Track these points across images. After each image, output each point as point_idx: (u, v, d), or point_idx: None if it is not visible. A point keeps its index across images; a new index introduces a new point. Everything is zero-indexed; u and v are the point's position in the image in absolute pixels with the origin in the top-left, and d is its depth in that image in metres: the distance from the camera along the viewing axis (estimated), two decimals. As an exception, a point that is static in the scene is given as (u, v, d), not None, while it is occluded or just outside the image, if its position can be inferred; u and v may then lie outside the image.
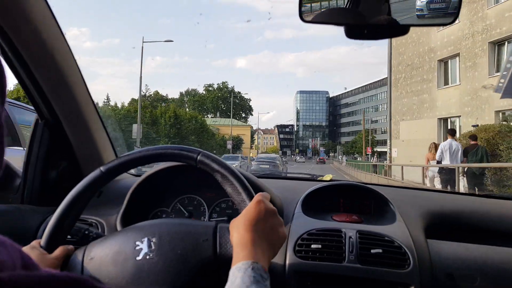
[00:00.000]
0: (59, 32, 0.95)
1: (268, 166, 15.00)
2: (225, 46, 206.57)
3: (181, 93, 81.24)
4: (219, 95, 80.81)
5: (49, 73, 0.97)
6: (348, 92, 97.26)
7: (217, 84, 78.67)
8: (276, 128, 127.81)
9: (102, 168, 0.73)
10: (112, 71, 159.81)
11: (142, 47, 19.49)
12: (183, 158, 0.76)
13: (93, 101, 1.14)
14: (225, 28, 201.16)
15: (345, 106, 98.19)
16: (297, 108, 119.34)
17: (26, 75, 0.94)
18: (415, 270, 0.85)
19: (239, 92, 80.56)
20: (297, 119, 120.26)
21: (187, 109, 44.78)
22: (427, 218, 1.04)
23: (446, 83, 14.83)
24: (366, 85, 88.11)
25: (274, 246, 0.63)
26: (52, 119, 1.07)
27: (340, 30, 0.70)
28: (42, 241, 0.68)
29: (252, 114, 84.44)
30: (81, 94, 1.08)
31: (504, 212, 1.09)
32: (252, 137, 74.50)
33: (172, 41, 25.85)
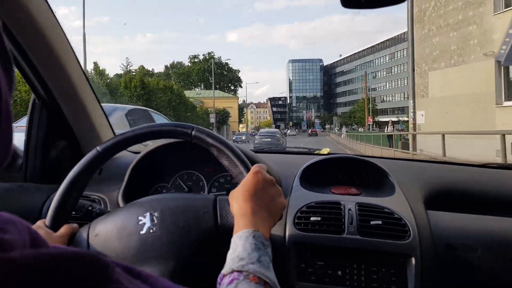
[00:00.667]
0: (50, 12, 0.98)
1: (270, 140, 17.12)
2: (216, 20, 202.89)
3: (166, 66, 76.24)
4: (205, 66, 74.71)
5: (43, 53, 1.00)
6: (343, 59, 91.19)
7: (203, 55, 73.38)
8: (268, 102, 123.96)
9: (99, 148, 0.75)
10: (103, 50, 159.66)
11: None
12: (177, 134, 0.77)
13: (88, 80, 1.17)
14: (215, 1, 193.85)
15: (340, 74, 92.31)
16: (289, 78, 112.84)
17: (21, 56, 0.98)
18: (415, 241, 0.86)
19: (226, 63, 75.01)
20: (290, 91, 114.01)
21: (173, 82, 39.28)
22: (426, 189, 1.05)
23: (507, 4, 9.53)
24: (362, 50, 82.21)
25: (274, 215, 0.64)
26: (49, 99, 1.11)
27: (333, 0, 0.51)
28: (47, 220, 0.70)
29: (241, 87, 79.11)
30: (76, 74, 1.11)
31: (502, 181, 1.11)
32: (242, 110, 68.46)
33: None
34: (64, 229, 0.69)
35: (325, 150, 1.61)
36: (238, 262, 0.52)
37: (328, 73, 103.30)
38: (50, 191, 1.06)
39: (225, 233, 0.65)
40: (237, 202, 0.62)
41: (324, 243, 0.88)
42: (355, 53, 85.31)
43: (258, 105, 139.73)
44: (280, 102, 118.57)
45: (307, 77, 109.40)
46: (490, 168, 1.28)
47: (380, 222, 0.89)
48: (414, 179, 1.10)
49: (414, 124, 11.43)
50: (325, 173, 1.13)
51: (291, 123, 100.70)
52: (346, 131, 35.57)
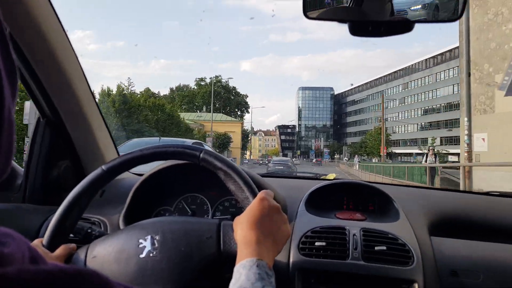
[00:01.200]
0: (62, 32, 0.99)
1: (282, 167, 18.86)
2: (230, 49, 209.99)
3: (171, 89, 74.63)
4: (211, 90, 71.21)
5: (52, 72, 1.01)
6: (354, 88, 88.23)
7: (210, 78, 70.52)
8: (277, 129, 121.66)
9: (104, 167, 0.74)
10: (117, 74, 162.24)
11: None
12: (185, 156, 0.77)
13: (95, 100, 1.18)
14: (231, 31, 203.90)
15: (351, 103, 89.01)
16: (299, 106, 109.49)
17: (28, 74, 0.98)
18: (419, 267, 0.87)
19: (234, 88, 73.45)
20: (299, 118, 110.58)
21: (164, 101, 36.04)
22: (430, 216, 1.08)
23: None
24: (375, 79, 79.30)
25: (278, 243, 0.63)
26: (54, 117, 1.11)
27: (346, 32, 0.70)
28: (44, 239, 0.69)
29: (248, 112, 77.09)
30: (83, 93, 1.11)
31: (505, 209, 1.16)
32: (247, 136, 64.53)
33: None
34: (61, 250, 0.68)
35: (331, 176, 1.68)
36: None
37: (339, 102, 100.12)
38: (48, 212, 1.04)
39: (228, 259, 0.64)
40: (242, 229, 0.62)
41: (328, 269, 0.89)
42: (367, 82, 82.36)
43: (267, 133, 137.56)
44: (289, 130, 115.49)
45: (317, 106, 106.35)
46: (492, 196, 1.33)
47: (384, 247, 0.90)
48: (418, 205, 1.14)
49: (469, 152, 8.29)
50: (330, 198, 1.16)
51: (298, 152, 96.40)
52: (359, 162, 30.86)
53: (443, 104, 56.12)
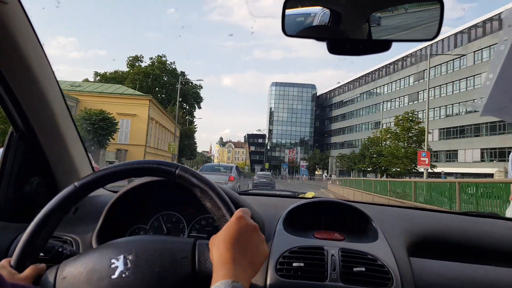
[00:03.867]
0: (37, 45, 1.04)
1: (265, 180, 24.46)
2: (213, 64, 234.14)
3: (95, 72, 59.25)
4: (148, 71, 55.82)
5: (26, 85, 1.05)
6: (342, 87, 67.00)
7: (151, 58, 57.55)
8: (246, 138, 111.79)
9: (76, 184, 0.77)
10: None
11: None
12: (161, 173, 0.80)
13: (70, 115, 1.25)
14: (214, 45, 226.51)
15: (338, 106, 69.30)
16: (270, 107, 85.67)
17: (2, 86, 1.02)
18: None
19: (182, 72, 59.36)
20: (270, 122, 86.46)
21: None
22: (409, 236, 1.13)
23: None
24: (371, 71, 57.26)
25: (255, 264, 0.65)
26: (28, 132, 1.14)
27: (328, 54, 0.78)
28: (12, 260, 0.71)
29: (200, 107, 64.55)
30: (58, 107, 1.17)
31: (483, 230, 1.22)
32: (176, 136, 44.87)
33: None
34: (29, 270, 0.70)
35: (309, 194, 1.70)
36: None
37: (322, 105, 77.00)
38: (19, 230, 1.05)
39: (203, 280, 0.66)
40: (218, 249, 0.63)
41: None
42: (360, 77, 61.52)
43: (237, 144, 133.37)
44: (260, 140, 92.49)
45: (294, 107, 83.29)
46: (470, 216, 1.38)
47: (363, 269, 0.92)
48: (397, 225, 1.17)
49: None
50: (309, 217, 1.20)
51: (267, 165, 71.68)
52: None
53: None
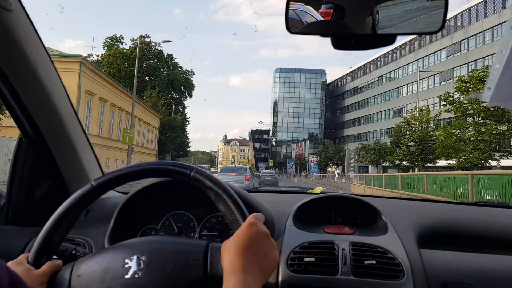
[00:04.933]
0: (43, 49, 1.10)
1: (270, 178, 27.25)
2: (221, 63, 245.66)
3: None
4: (128, 53, 47.03)
5: (33, 90, 1.11)
6: (356, 70, 55.82)
7: (132, 40, 49.03)
8: (250, 135, 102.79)
9: (93, 182, 0.81)
10: None
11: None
12: (175, 174, 0.84)
13: (78, 119, 1.32)
14: (222, 45, 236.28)
15: (351, 93, 61.84)
16: (275, 99, 75.36)
17: (10, 94, 1.08)
18: (409, 280, 0.94)
19: (169, 56, 51.78)
20: (274, 115, 76.42)
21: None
22: (418, 227, 1.19)
23: None
24: (391, 50, 46.05)
25: (265, 270, 0.69)
26: (37, 137, 1.21)
27: (336, 51, 0.75)
28: (30, 256, 0.76)
29: (191, 96, 56.73)
30: (66, 112, 1.24)
31: (493, 220, 1.28)
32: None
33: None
34: (46, 267, 0.74)
35: (318, 189, 1.74)
36: None
37: (332, 94, 66.82)
38: (32, 234, 1.13)
39: (214, 284, 0.69)
40: (229, 256, 0.67)
41: (318, 285, 0.94)
42: (378, 57, 51.36)
43: (242, 142, 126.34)
44: (266, 136, 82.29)
45: (301, 96, 73.72)
46: (480, 206, 1.45)
47: (374, 261, 0.96)
48: (406, 217, 1.23)
49: None
50: (318, 212, 1.25)
51: (271, 162, 61.87)
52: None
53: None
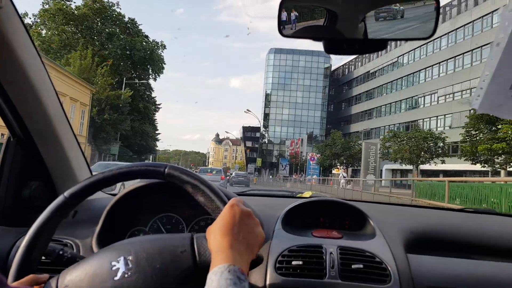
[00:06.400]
0: (32, 47, 1.16)
1: (243, 179, 29.80)
2: (221, 65, 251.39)
3: None
4: (76, 12, 38.67)
5: (22, 89, 1.17)
6: (366, 55, 42.12)
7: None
8: (242, 137, 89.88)
9: (65, 194, 0.84)
10: None
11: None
12: (150, 174, 0.87)
13: (67, 119, 1.40)
14: (223, 47, 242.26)
15: (361, 80, 51.82)
16: (268, 86, 62.35)
17: None
18: (396, 285, 1.00)
19: (132, 21, 42.02)
20: (266, 104, 63.28)
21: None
22: (406, 233, 1.26)
23: None
24: None
25: (252, 247, 0.75)
26: (25, 137, 1.27)
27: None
28: (10, 274, 0.77)
29: (160, 73, 45.32)
30: (55, 111, 1.30)
31: (480, 226, 1.36)
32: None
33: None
34: (29, 280, 0.75)
35: (307, 194, 1.78)
36: None
37: (337, 83, 53.97)
38: (18, 234, 1.19)
39: (205, 270, 0.71)
40: (214, 237, 0.73)
41: None
42: None
43: (235, 142, 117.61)
44: (258, 134, 69.46)
45: (300, 82, 59.59)
46: (467, 212, 1.54)
47: (361, 265, 1.01)
48: (394, 222, 1.29)
49: None
50: (306, 216, 1.31)
51: (259, 161, 49.15)
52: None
53: None
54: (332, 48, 0.80)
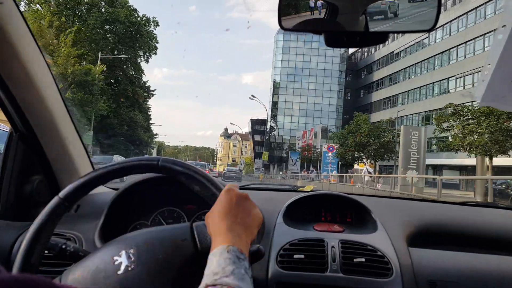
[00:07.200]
0: (33, 43, 1.22)
1: (234, 174, 31.99)
2: (234, 61, 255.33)
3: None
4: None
5: (24, 84, 1.23)
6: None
7: None
8: (250, 125, 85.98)
9: (60, 195, 0.86)
10: None
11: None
12: (143, 168, 0.90)
13: (69, 114, 1.46)
14: (235, 43, 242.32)
15: (383, 63, 43.38)
16: (276, 71, 54.99)
17: (0, 87, 1.22)
18: (397, 278, 1.04)
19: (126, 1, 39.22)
20: (275, 91, 55.95)
21: None
22: (407, 226, 1.31)
23: None
24: None
25: (250, 228, 0.78)
26: (27, 131, 1.34)
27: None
28: (14, 270, 0.80)
29: (153, 54, 41.27)
30: (57, 106, 1.37)
31: (481, 220, 1.40)
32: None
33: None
34: None
35: (308, 187, 1.76)
36: (212, 276, 0.62)
37: (355, 68, 47.08)
38: (21, 228, 1.22)
39: (207, 256, 0.73)
40: (213, 222, 0.78)
41: (307, 282, 1.03)
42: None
43: (244, 137, 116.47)
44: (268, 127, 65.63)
45: (313, 66, 52.44)
46: (468, 206, 1.55)
47: (363, 259, 1.05)
48: (396, 216, 1.34)
49: None
50: (308, 210, 1.37)
51: (265, 155, 41.90)
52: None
53: None
54: (332, 41, 0.80)
